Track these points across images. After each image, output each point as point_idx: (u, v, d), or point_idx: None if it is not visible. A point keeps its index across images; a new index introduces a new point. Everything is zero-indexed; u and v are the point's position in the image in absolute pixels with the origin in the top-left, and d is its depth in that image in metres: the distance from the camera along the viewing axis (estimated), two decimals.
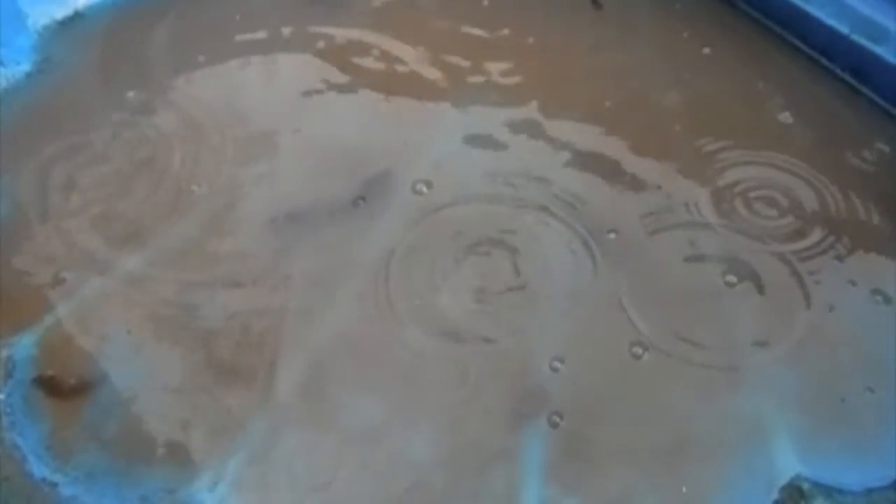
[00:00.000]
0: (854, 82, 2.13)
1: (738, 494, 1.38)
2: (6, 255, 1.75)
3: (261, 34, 2.44)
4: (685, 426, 1.48)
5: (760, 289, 1.69)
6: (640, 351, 1.58)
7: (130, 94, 2.20)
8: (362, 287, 1.70)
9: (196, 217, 1.85)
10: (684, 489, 1.39)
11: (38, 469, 1.42)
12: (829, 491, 1.39)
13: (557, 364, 1.57)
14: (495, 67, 2.27)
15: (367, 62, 2.32)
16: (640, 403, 1.51)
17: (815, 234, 1.80)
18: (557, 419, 1.48)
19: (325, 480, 1.40)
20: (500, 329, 1.63)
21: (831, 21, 2.17)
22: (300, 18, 2.51)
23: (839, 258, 1.75)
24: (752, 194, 1.89)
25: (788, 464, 1.42)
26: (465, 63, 2.30)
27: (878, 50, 2.07)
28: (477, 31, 2.41)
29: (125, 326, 1.62)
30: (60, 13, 2.45)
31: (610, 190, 1.90)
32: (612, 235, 1.80)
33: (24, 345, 1.59)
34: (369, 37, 2.41)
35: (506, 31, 2.40)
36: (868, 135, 2.02)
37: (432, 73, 2.27)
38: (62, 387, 1.51)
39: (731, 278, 1.71)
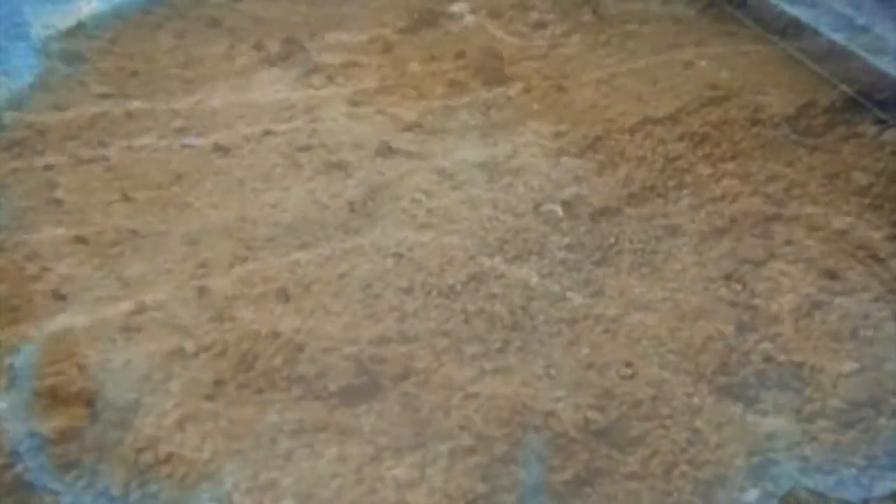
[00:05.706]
0: (853, 94, 2.14)
1: None
2: (7, 263, 1.76)
3: (260, 47, 2.46)
4: (684, 434, 1.48)
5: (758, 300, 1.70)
6: (628, 371, 1.59)
7: (134, 104, 2.22)
8: (363, 291, 1.71)
9: (196, 228, 1.86)
10: (675, 496, 1.39)
11: (39, 478, 1.42)
12: (827, 501, 1.39)
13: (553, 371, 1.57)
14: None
15: (365, 74, 2.34)
16: (639, 409, 1.51)
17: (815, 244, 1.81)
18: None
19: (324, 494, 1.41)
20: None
21: (830, 33, 2.19)
22: (298, 32, 2.53)
23: (843, 273, 1.75)
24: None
25: (788, 474, 1.42)
26: (461, 73, 2.33)
27: (877, 61, 2.09)
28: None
29: (126, 335, 1.62)
30: (63, 23, 2.47)
31: (610, 200, 1.92)
32: (612, 239, 1.83)
33: (26, 353, 1.59)
34: (367, 51, 2.45)
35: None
36: (867, 146, 2.03)
37: (430, 84, 2.29)
38: (63, 396, 1.51)
39: (737, 286, 1.72)
